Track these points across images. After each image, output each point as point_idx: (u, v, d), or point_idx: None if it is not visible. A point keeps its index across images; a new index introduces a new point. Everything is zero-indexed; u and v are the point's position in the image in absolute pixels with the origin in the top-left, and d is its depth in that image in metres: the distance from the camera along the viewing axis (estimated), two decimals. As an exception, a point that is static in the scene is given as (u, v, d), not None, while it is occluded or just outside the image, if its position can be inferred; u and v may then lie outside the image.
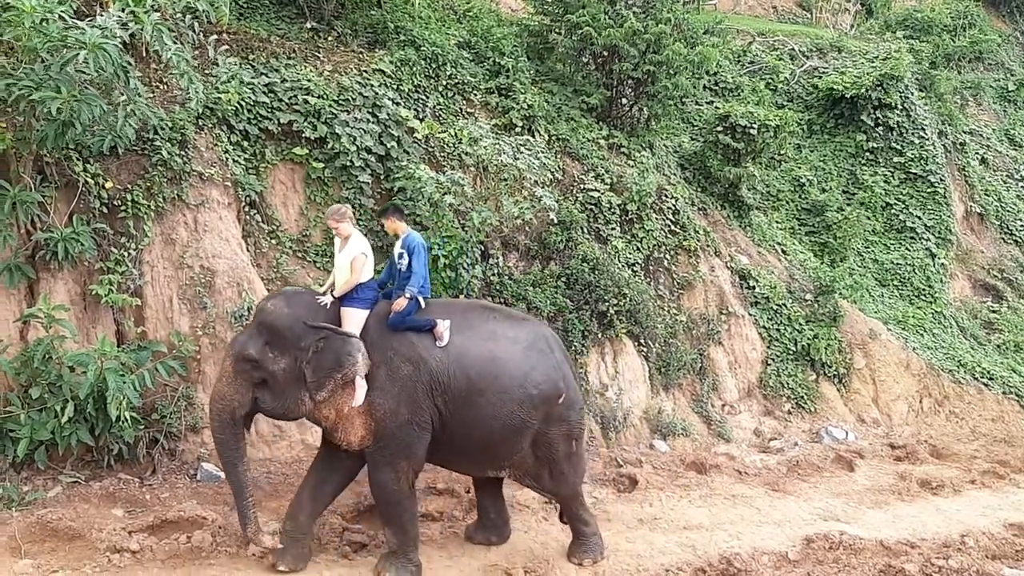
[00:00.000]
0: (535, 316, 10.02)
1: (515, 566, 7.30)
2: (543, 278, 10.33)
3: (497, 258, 10.11)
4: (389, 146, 9.68)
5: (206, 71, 8.74)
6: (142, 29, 6.80)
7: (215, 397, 6.71)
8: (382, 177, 9.69)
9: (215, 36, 7.99)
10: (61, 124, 6.88)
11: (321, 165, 9.36)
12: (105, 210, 7.90)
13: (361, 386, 6.54)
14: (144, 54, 8.22)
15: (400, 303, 6.71)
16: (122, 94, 7.10)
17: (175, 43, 7.05)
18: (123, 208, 7.95)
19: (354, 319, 6.68)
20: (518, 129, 10.89)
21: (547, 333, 7.42)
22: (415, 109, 10.21)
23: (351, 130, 9.44)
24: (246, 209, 8.94)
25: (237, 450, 6.69)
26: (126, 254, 7.93)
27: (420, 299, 6.85)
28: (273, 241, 9.14)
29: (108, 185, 7.89)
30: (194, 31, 7.47)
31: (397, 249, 7.03)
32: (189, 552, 6.90)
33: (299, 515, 6.91)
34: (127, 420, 7.13)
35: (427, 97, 10.49)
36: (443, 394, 6.71)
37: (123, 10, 6.75)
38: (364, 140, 9.49)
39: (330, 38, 10.36)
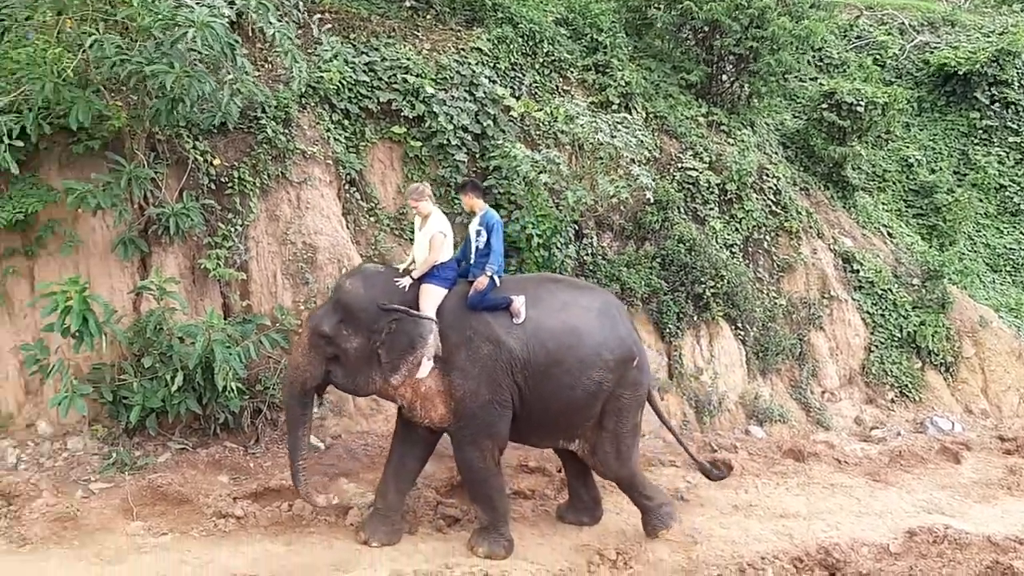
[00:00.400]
0: (629, 298, 9.95)
1: (607, 547, 7.26)
2: (637, 259, 10.20)
3: (591, 238, 10.03)
4: (485, 125, 9.69)
5: (308, 50, 8.91)
6: (247, 7, 6.93)
7: (290, 366, 6.95)
8: (478, 156, 9.70)
9: (318, 15, 8.10)
10: (171, 100, 7.10)
11: (418, 144, 9.43)
12: (213, 187, 8.14)
13: (426, 362, 6.58)
14: (250, 33, 8.43)
15: (481, 281, 6.68)
16: (229, 72, 7.27)
17: (279, 21, 7.16)
18: (230, 185, 8.19)
19: (432, 296, 6.68)
20: (615, 107, 10.76)
21: (615, 301, 7.44)
22: (511, 87, 10.19)
23: (448, 109, 9.48)
24: (346, 187, 9.09)
25: (303, 416, 6.87)
26: (233, 230, 8.17)
27: (496, 278, 6.81)
28: (372, 219, 9.27)
29: (216, 162, 8.13)
30: (298, 10, 7.59)
31: (475, 226, 6.98)
32: (290, 520, 7.12)
33: (387, 493, 7.00)
34: (232, 390, 7.35)
35: (523, 75, 10.45)
36: (523, 370, 6.71)
37: (233, -13, 6.91)
38: (461, 119, 9.52)
39: (428, 16, 10.41)
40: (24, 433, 7.58)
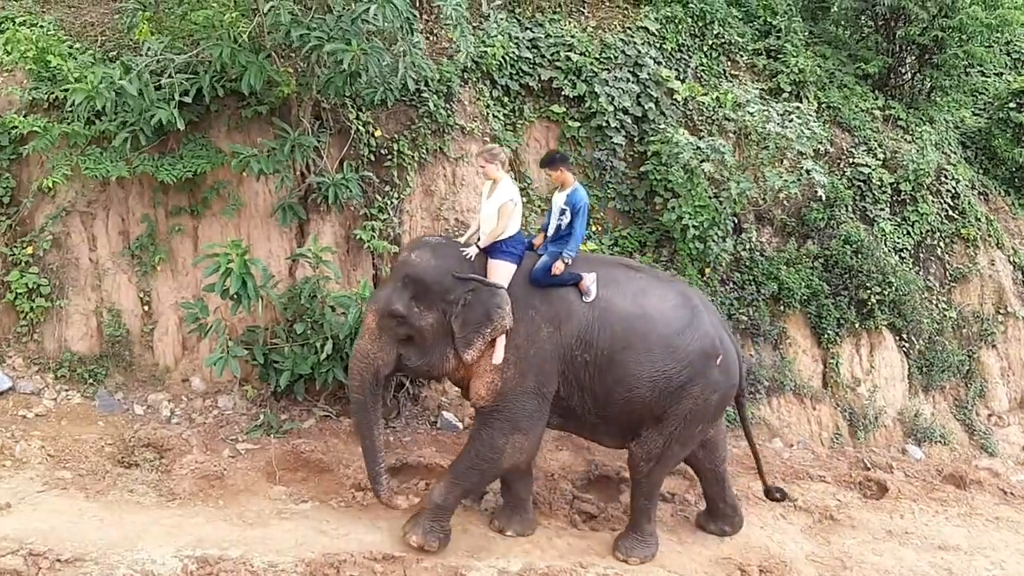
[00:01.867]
0: (786, 298, 9.42)
1: (750, 563, 6.90)
2: (798, 257, 9.64)
3: (750, 232, 9.53)
4: (647, 107, 9.30)
5: (474, 24, 8.75)
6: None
7: (358, 355, 6.33)
8: (636, 140, 9.34)
9: (490, -10, 7.94)
10: (348, 75, 7.05)
11: (576, 124, 9.15)
12: (372, 158, 8.12)
13: (502, 343, 6.18)
14: (419, 4, 8.32)
15: (559, 267, 6.23)
16: (402, 46, 7.18)
17: (452, -6, 7.01)
18: (389, 157, 8.14)
19: (502, 273, 6.24)
20: (785, 95, 10.15)
21: (699, 295, 6.86)
22: (676, 70, 9.75)
23: (610, 89, 9.15)
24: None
25: (375, 411, 6.38)
26: (388, 202, 8.13)
27: (567, 257, 6.35)
28: (524, 199, 9.04)
29: (377, 134, 8.10)
30: (474, -17, 7.42)
31: (560, 204, 6.47)
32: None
33: (511, 485, 6.80)
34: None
35: (690, 57, 9.98)
36: (584, 353, 6.21)
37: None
38: (622, 100, 9.18)
39: (595, -8, 10.08)
40: (179, 388, 7.82)
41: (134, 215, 7.82)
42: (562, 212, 6.44)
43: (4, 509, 6.12)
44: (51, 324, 7.68)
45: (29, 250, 7.57)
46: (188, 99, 7.09)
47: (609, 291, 6.32)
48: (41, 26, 7.54)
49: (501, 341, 6.16)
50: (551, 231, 6.50)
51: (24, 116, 7.38)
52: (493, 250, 6.29)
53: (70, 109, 7.22)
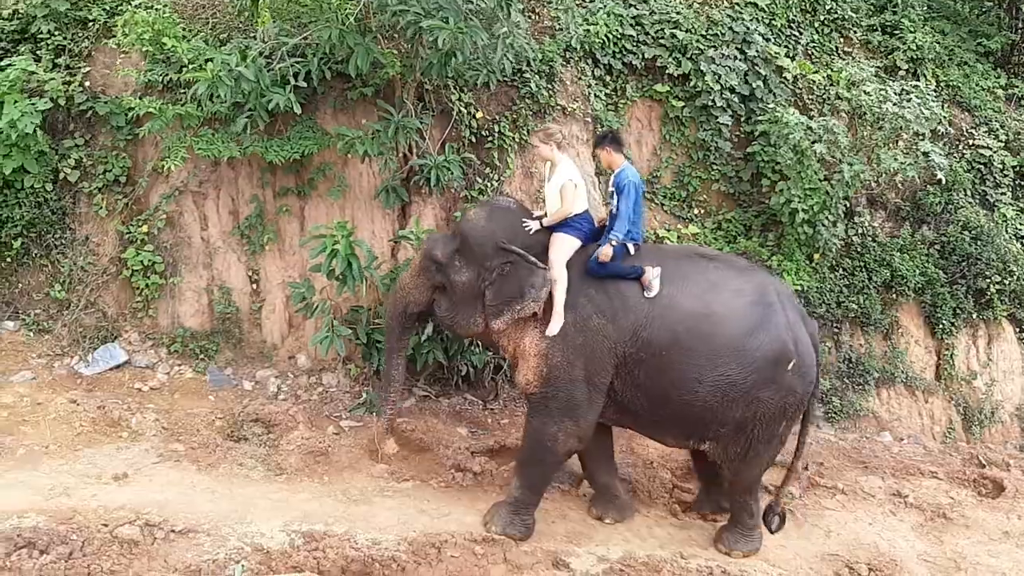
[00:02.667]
0: (899, 286, 9.03)
1: (858, 561, 6.65)
2: (913, 244, 9.25)
3: (863, 216, 9.15)
4: (755, 86, 9.00)
5: (577, 1, 8.60)
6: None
7: (397, 285, 6.56)
8: (743, 119, 9.06)
9: (596, -35, 7.77)
10: (444, 55, 7.03)
11: (681, 104, 8.92)
12: (473, 139, 8.09)
13: (559, 313, 5.96)
14: (523, -18, 8.23)
15: (605, 252, 5.97)
16: (503, 26, 7.10)
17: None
18: (490, 139, 8.10)
19: (564, 245, 6.07)
20: (902, 73, 9.68)
21: (780, 288, 6.36)
22: (786, 46, 9.40)
23: (716, 67, 8.88)
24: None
25: (400, 341, 6.55)
26: (489, 184, 8.10)
27: (629, 245, 6.09)
28: (621, 179, 8.91)
29: (479, 115, 8.07)
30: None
31: (609, 187, 6.30)
32: (526, 483, 7.04)
33: (595, 475, 6.73)
34: (477, 344, 7.33)
35: (800, 33, 9.61)
36: (641, 351, 5.92)
37: (518, -61, 6.69)
38: (729, 79, 8.89)
39: (702, -33, 9.77)
40: (285, 364, 8.00)
41: (243, 195, 8.00)
42: (611, 196, 6.25)
43: (121, 479, 6.36)
44: (165, 300, 7.96)
45: (144, 228, 7.84)
46: (302, 83, 7.15)
47: (674, 287, 6.00)
48: (157, 8, 7.72)
49: (559, 311, 5.97)
50: (607, 217, 6.29)
51: (140, 97, 7.61)
52: (559, 224, 6.17)
53: (184, 91, 7.40)
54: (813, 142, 8.40)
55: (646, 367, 5.97)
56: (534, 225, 6.18)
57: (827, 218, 8.71)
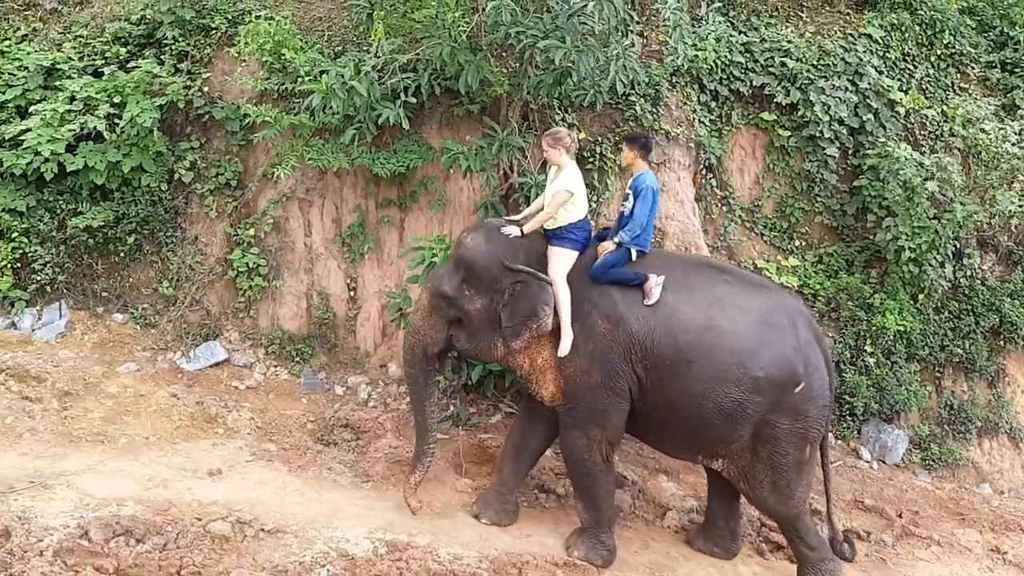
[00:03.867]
0: (1009, 334, 8.66)
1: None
2: (1024, 289, 8.87)
3: (972, 259, 8.81)
4: (865, 118, 8.78)
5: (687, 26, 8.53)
6: (650, -18, 6.67)
7: (410, 331, 6.38)
8: (850, 152, 8.85)
9: (709, -9, 7.68)
10: (559, 75, 7.04)
11: (787, 133, 8.77)
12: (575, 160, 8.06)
13: (568, 334, 5.86)
14: (634, 4, 8.20)
15: (605, 245, 5.92)
16: (616, 48, 7.09)
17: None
18: (591, 160, 8.09)
19: (561, 260, 5.96)
20: (1021, 112, 9.31)
21: (794, 307, 6.13)
22: (900, 80, 9.15)
23: (826, 98, 8.70)
24: (703, 172, 8.68)
25: (426, 387, 6.36)
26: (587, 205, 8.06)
27: (632, 250, 5.98)
28: (724, 208, 8.80)
29: (581, 136, 8.06)
30: (693, -15, 7.23)
31: (627, 189, 6.18)
32: (609, 509, 6.97)
33: (502, 469, 6.56)
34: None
35: (915, 67, 9.34)
36: (643, 360, 5.81)
37: (637, -39, 6.68)
38: (838, 110, 8.70)
39: (817, -4, 9.61)
40: (376, 372, 8.11)
41: (347, 204, 8.18)
42: (626, 198, 6.13)
43: (216, 475, 6.53)
44: (266, 302, 8.18)
45: (251, 232, 8.08)
46: (411, 98, 7.27)
47: (679, 297, 5.85)
48: (277, 20, 7.97)
49: (567, 331, 5.87)
50: (621, 218, 6.18)
51: (255, 105, 7.86)
52: (553, 237, 6.04)
53: (297, 100, 7.61)
54: (925, 179, 8.15)
55: (650, 376, 5.87)
56: (512, 230, 6.07)
57: (935, 258, 8.43)
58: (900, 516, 7.51)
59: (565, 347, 5.89)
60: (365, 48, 7.63)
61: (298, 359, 8.06)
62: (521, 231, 6.06)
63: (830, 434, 7.41)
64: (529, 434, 6.54)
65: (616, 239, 6.00)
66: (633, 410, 6.03)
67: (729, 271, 6.38)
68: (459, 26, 7.03)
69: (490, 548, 6.17)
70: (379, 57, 7.17)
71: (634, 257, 6.02)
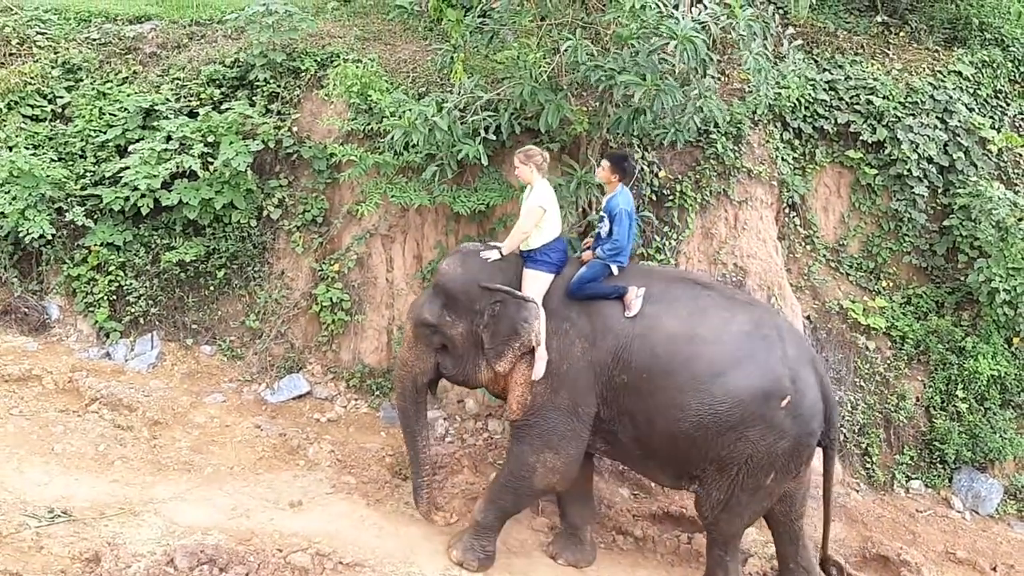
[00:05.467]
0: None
1: None
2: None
3: (1071, 302, 8.44)
4: (955, 157, 8.56)
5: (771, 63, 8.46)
6: (735, 27, 6.64)
7: (398, 364, 6.48)
8: (940, 191, 8.62)
9: (791, 28, 7.60)
10: (635, 111, 7.06)
11: (873, 171, 8.59)
12: (654, 198, 8.06)
13: (542, 356, 5.84)
14: (716, 43, 8.18)
15: (586, 255, 6.10)
16: (695, 87, 7.08)
17: (756, 42, 6.81)
18: (671, 198, 8.05)
19: (536, 283, 5.97)
20: (1124, 149, 8.95)
21: (779, 322, 6.00)
22: (991, 117, 8.91)
23: (914, 136, 8.51)
24: (786, 210, 8.56)
25: (418, 420, 6.43)
26: (667, 243, 8.03)
27: (612, 267, 5.99)
28: (808, 247, 8.64)
29: (661, 174, 8.04)
30: (775, 22, 7.17)
31: (603, 209, 6.17)
32: (688, 554, 6.86)
33: (566, 510, 6.53)
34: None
35: (1007, 104, 9.10)
36: (621, 373, 5.73)
37: (720, 2, 6.67)
38: (927, 148, 8.50)
39: (902, 33, 9.44)
40: (454, 407, 8.15)
41: (428, 241, 8.29)
42: (601, 219, 6.15)
43: (296, 506, 6.63)
44: (348, 337, 8.32)
45: (336, 267, 8.24)
46: (491, 136, 7.37)
47: (659, 308, 5.81)
48: (364, 63, 8.21)
49: (541, 355, 5.87)
50: (597, 239, 6.21)
51: (341, 144, 8.08)
52: (528, 259, 6.09)
53: (382, 140, 7.78)
54: (1019, 219, 7.91)
55: (629, 391, 5.78)
56: (491, 253, 6.14)
57: (1030, 300, 8.12)
58: (995, 570, 7.19)
59: (539, 371, 5.90)
60: (448, 89, 7.78)
61: (378, 393, 8.15)
62: (500, 253, 6.13)
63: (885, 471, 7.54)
64: (585, 470, 6.43)
65: (598, 253, 6.08)
66: (611, 431, 5.95)
67: (712, 287, 6.26)
68: (539, 66, 7.11)
69: (565, 588, 6.14)
70: (461, 96, 7.30)
71: (615, 272, 6.05)
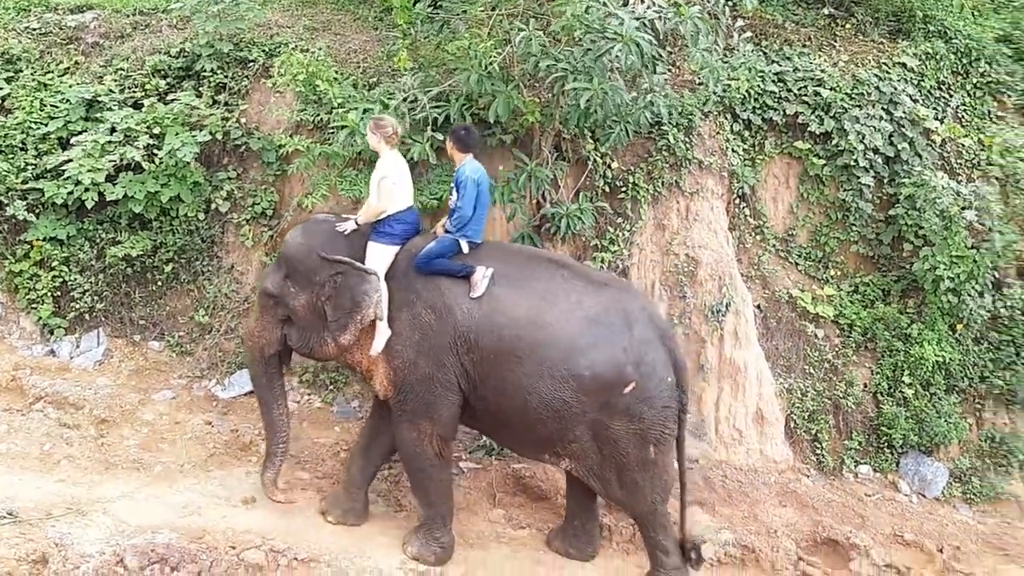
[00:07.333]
0: None
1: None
2: (1067, 320, 8.68)
3: (1013, 289, 8.66)
4: (900, 147, 8.69)
5: (719, 57, 8.53)
6: (681, 24, 6.68)
7: (246, 334, 6.51)
8: (886, 181, 8.76)
9: (740, 20, 7.67)
10: (584, 111, 7.07)
11: (821, 162, 8.70)
12: (607, 189, 8.07)
13: (383, 331, 5.87)
14: (663, 37, 8.23)
15: (438, 230, 6.08)
16: (645, 82, 7.11)
17: (705, 39, 6.85)
18: (624, 189, 8.08)
19: (378, 256, 5.97)
20: (1058, 141, 9.19)
21: (633, 306, 5.96)
22: (935, 109, 9.08)
23: (861, 127, 8.63)
24: (736, 201, 8.64)
25: (271, 390, 6.45)
26: (620, 234, 8.06)
27: (463, 243, 6.00)
28: (758, 237, 8.74)
29: (614, 166, 8.07)
30: (724, 15, 7.24)
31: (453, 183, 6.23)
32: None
33: (350, 467, 6.58)
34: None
35: (950, 96, 9.27)
36: (469, 353, 5.78)
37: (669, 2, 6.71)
38: (873, 139, 8.62)
39: (848, 26, 9.57)
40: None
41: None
42: (451, 190, 6.20)
43: (250, 503, 6.56)
44: (299, 331, 8.21)
45: (286, 261, 8.13)
46: (438, 131, 7.32)
47: (507, 290, 5.83)
48: (312, 52, 8.09)
49: (382, 330, 5.88)
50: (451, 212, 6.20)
51: (290, 136, 7.97)
52: (373, 231, 6.07)
53: (332, 131, 7.70)
54: (962, 208, 8.07)
55: (479, 369, 5.82)
56: (347, 225, 6.11)
57: (973, 288, 8.31)
58: (941, 551, 7.35)
59: (378, 345, 5.90)
60: (399, 79, 7.70)
61: (331, 387, 8.08)
62: (356, 224, 6.10)
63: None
64: (377, 432, 6.48)
65: (445, 226, 6.11)
66: (469, 405, 5.99)
67: (570, 266, 6.24)
68: (490, 56, 7.09)
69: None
70: (410, 90, 7.24)
71: (465, 249, 6.03)
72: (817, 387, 8.38)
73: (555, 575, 6.34)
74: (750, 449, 8.05)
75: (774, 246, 8.77)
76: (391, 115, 6.93)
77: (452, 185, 6.28)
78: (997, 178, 8.76)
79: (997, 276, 8.62)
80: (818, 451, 8.25)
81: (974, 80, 9.39)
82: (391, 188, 6.07)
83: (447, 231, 6.12)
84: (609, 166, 8.08)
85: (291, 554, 5.95)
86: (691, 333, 8.08)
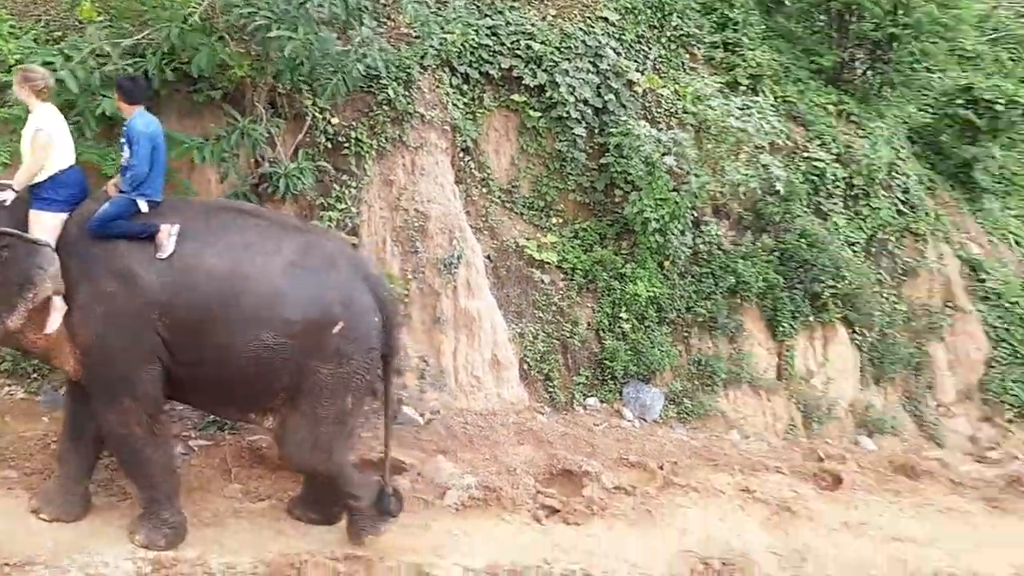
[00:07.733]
0: (743, 292, 9.43)
1: (711, 557, 6.97)
2: (754, 251, 9.72)
3: (709, 226, 9.54)
4: (607, 99, 9.23)
5: (432, 10, 8.56)
6: (384, -30, 6.61)
7: None
8: (597, 131, 9.27)
9: (451, -25, 7.76)
10: (292, 62, 6.83)
11: (537, 114, 9.04)
12: (329, 146, 7.88)
13: (58, 308, 5.40)
14: (376, -12, 8.12)
15: (109, 188, 5.65)
16: (357, 35, 6.98)
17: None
18: (346, 145, 7.93)
19: (45, 224, 5.42)
20: (743, 88, 10.19)
21: (336, 249, 5.97)
22: (636, 61, 9.71)
23: (571, 80, 9.05)
24: (460, 155, 8.78)
25: None
26: (346, 192, 7.91)
27: (140, 202, 5.59)
28: (484, 189, 8.95)
29: (334, 121, 7.88)
30: (431, -33, 7.25)
31: (122, 137, 5.80)
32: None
33: (64, 461, 6.04)
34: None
35: (649, 49, 9.95)
36: (163, 317, 5.43)
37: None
38: (582, 91, 9.08)
39: (553, -21, 9.95)
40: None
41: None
42: (122, 146, 5.74)
43: (-56, 512, 5.83)
44: None
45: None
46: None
47: (199, 245, 5.50)
48: (-19, 3, 7.17)
49: (58, 307, 5.41)
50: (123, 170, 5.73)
51: (-44, 98, 7.02)
52: (33, 197, 5.48)
53: (11, 91, 6.85)
54: (663, 154, 8.73)
55: (176, 334, 5.48)
56: (7, 195, 5.44)
57: (677, 227, 9.05)
58: (661, 468, 7.99)
59: (54, 323, 5.41)
60: (86, 32, 7.00)
61: (35, 376, 7.30)
62: (14, 191, 5.45)
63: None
64: (80, 418, 5.92)
65: (120, 185, 5.65)
66: (171, 374, 5.62)
67: (262, 215, 6.07)
68: (188, 7, 6.62)
69: (264, 552, 6.00)
70: (97, 43, 6.60)
71: (144, 208, 5.61)
72: (546, 329, 8.79)
73: (299, 544, 6.19)
74: (488, 394, 8.31)
75: (499, 198, 9.02)
76: (73, 73, 6.28)
77: (122, 140, 5.72)
78: (692, 125, 9.54)
79: (696, 216, 9.45)
80: (550, 389, 8.67)
81: (668, 33, 10.15)
82: (47, 141, 5.44)
83: (121, 191, 5.60)
84: (329, 122, 7.88)
85: (1, 561, 5.37)
86: (425, 287, 8.16)
